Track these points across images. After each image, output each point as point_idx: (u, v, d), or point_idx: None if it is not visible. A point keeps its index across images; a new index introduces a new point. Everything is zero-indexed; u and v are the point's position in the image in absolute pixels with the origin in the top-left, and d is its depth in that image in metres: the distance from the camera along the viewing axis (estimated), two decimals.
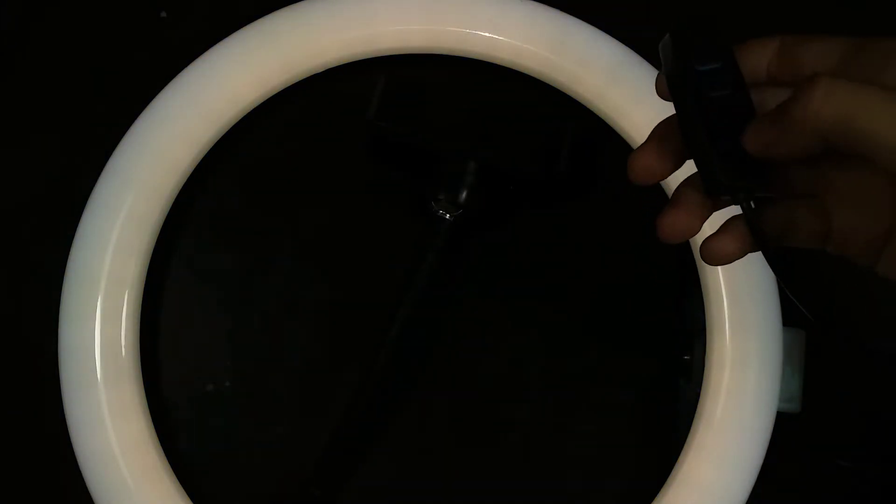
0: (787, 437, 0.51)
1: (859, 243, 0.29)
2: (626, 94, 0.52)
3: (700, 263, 0.52)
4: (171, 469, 0.49)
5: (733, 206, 0.31)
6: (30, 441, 0.51)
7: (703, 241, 0.31)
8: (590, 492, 0.52)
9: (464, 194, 0.49)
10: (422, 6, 0.53)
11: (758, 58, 0.30)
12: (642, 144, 0.32)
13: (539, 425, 0.53)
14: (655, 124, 0.33)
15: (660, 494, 0.50)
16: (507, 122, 0.55)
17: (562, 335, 0.53)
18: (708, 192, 0.30)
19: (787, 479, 0.52)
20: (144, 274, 0.50)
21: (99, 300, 0.48)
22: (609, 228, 0.54)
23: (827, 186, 0.30)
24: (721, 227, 0.32)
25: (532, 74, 0.54)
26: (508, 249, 0.54)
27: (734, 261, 0.31)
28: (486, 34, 0.53)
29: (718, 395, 0.50)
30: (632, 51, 0.53)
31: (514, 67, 0.54)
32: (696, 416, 0.50)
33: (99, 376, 0.48)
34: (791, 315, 0.51)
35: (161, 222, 0.51)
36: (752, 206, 0.29)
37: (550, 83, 0.54)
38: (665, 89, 0.31)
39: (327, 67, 0.54)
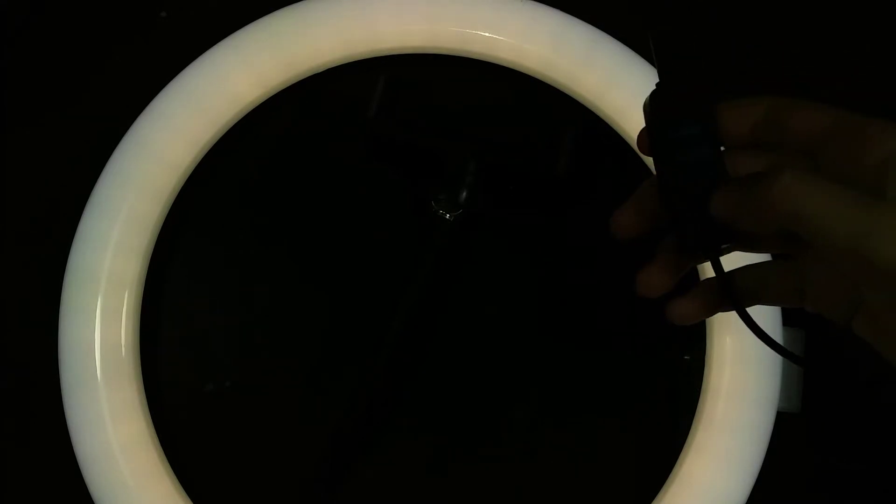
0: (787, 437, 0.51)
1: (834, 303, 0.29)
2: (626, 94, 0.52)
3: (700, 265, 0.52)
4: (171, 469, 0.49)
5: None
6: (30, 441, 0.51)
7: (668, 303, 0.32)
8: (590, 492, 0.52)
9: (464, 194, 0.49)
10: (422, 6, 0.53)
11: (743, 118, 0.30)
12: (625, 203, 0.33)
13: (539, 425, 0.53)
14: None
15: (660, 494, 0.50)
16: (507, 122, 0.55)
17: (562, 335, 0.53)
18: (681, 250, 0.31)
19: (787, 479, 0.52)
20: (144, 274, 0.50)
21: (99, 300, 0.48)
22: (608, 228, 0.54)
23: (800, 247, 0.30)
24: (692, 289, 0.32)
25: (532, 74, 0.54)
26: (508, 249, 0.54)
27: (698, 321, 0.32)
28: (486, 34, 0.53)
29: (718, 395, 0.50)
30: (632, 51, 0.53)
31: (514, 67, 0.54)
32: (696, 415, 0.51)
33: (99, 376, 0.48)
34: (791, 315, 0.51)
35: (161, 222, 0.51)
36: (722, 266, 0.30)
37: (550, 83, 0.54)
38: (647, 147, 0.31)
39: (327, 67, 0.54)
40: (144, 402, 0.49)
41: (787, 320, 0.51)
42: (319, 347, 0.53)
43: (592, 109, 0.54)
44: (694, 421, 0.50)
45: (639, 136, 0.31)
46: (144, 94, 0.51)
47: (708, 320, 0.51)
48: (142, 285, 0.50)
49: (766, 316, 0.50)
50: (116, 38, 0.56)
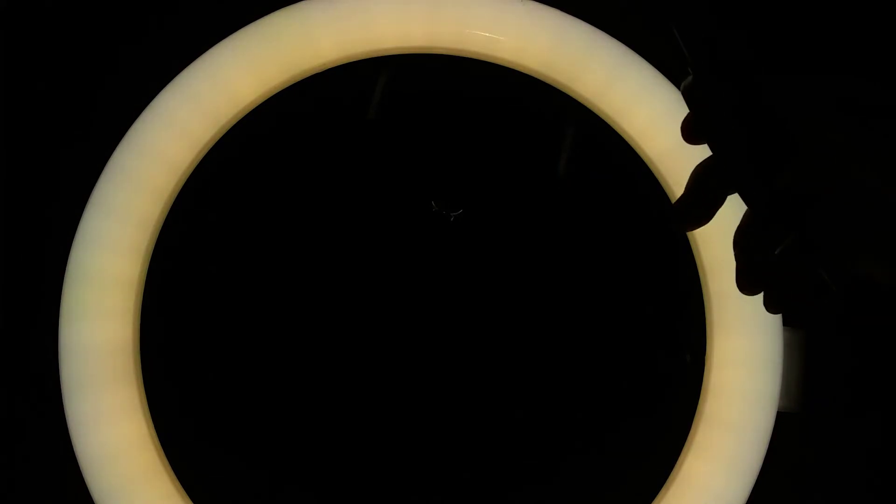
0: (787, 437, 0.51)
1: None
2: (626, 94, 0.52)
3: (700, 264, 0.52)
4: (171, 469, 0.49)
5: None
6: (30, 441, 0.51)
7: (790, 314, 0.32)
8: (590, 492, 0.52)
9: (462, 194, 0.49)
10: (421, 6, 0.53)
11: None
12: (680, 198, 0.33)
13: (539, 424, 0.53)
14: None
15: (660, 494, 0.50)
16: (507, 122, 0.55)
17: (562, 334, 0.53)
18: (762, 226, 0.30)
19: (787, 479, 0.52)
20: (144, 274, 0.50)
21: (99, 300, 0.48)
22: (609, 228, 0.54)
23: None
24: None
25: (532, 74, 0.54)
26: (508, 249, 0.54)
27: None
28: (486, 34, 0.53)
29: (718, 395, 0.50)
30: (632, 51, 0.53)
31: (514, 67, 0.54)
32: (696, 415, 0.51)
33: (99, 376, 0.48)
34: (791, 315, 0.51)
35: (161, 222, 0.51)
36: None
37: (550, 83, 0.54)
38: (692, 133, 0.31)
39: (327, 67, 0.54)
40: (144, 402, 0.49)
41: (788, 320, 0.51)
42: (320, 348, 0.53)
43: (592, 109, 0.54)
44: (694, 421, 0.50)
45: (684, 124, 0.31)
46: (144, 93, 0.51)
47: (708, 320, 0.51)
48: (142, 285, 0.50)
49: (766, 317, 0.50)
50: (116, 38, 0.56)
